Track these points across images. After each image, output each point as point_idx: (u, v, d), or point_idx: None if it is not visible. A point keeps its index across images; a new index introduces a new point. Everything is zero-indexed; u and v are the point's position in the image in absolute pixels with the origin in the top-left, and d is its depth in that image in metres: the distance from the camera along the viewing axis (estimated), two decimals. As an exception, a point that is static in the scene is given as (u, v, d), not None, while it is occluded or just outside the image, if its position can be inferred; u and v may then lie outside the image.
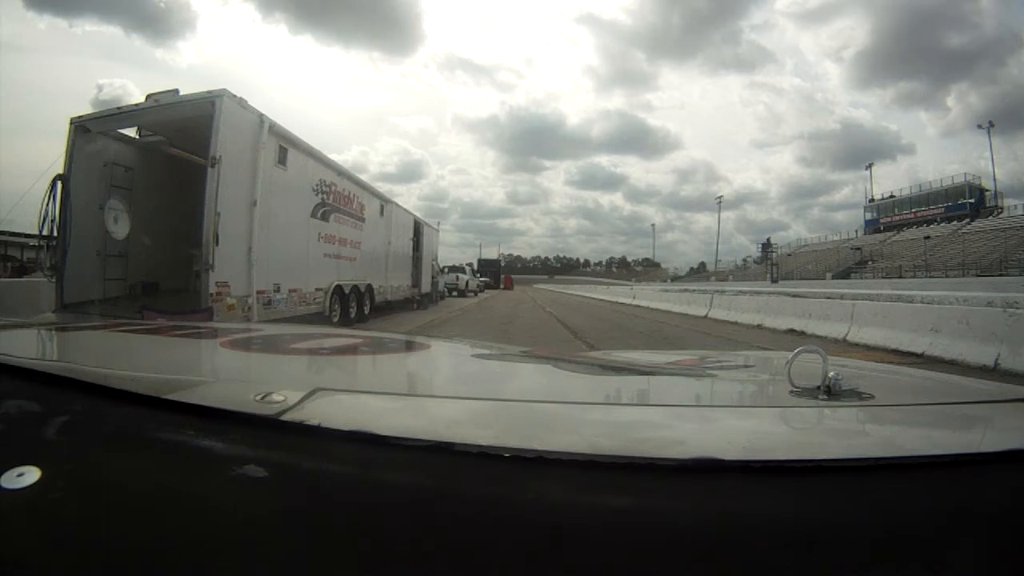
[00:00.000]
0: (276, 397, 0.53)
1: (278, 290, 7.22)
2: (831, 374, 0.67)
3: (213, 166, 5.78)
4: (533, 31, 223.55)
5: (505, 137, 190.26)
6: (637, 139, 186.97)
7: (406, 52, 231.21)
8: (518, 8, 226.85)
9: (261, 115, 6.75)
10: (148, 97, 6.46)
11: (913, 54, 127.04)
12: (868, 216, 59.63)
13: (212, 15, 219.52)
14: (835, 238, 64.24)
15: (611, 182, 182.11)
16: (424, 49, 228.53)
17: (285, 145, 7.36)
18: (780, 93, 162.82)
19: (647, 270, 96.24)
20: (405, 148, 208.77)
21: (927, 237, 45.29)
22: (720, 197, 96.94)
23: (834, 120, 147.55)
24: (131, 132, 7.07)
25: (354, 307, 9.77)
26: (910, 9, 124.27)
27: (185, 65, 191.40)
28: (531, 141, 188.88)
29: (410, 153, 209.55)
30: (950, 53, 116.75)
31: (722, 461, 0.45)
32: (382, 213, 12.01)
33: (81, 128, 6.28)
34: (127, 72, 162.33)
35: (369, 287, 10.66)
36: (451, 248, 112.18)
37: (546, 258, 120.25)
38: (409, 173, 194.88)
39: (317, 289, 8.40)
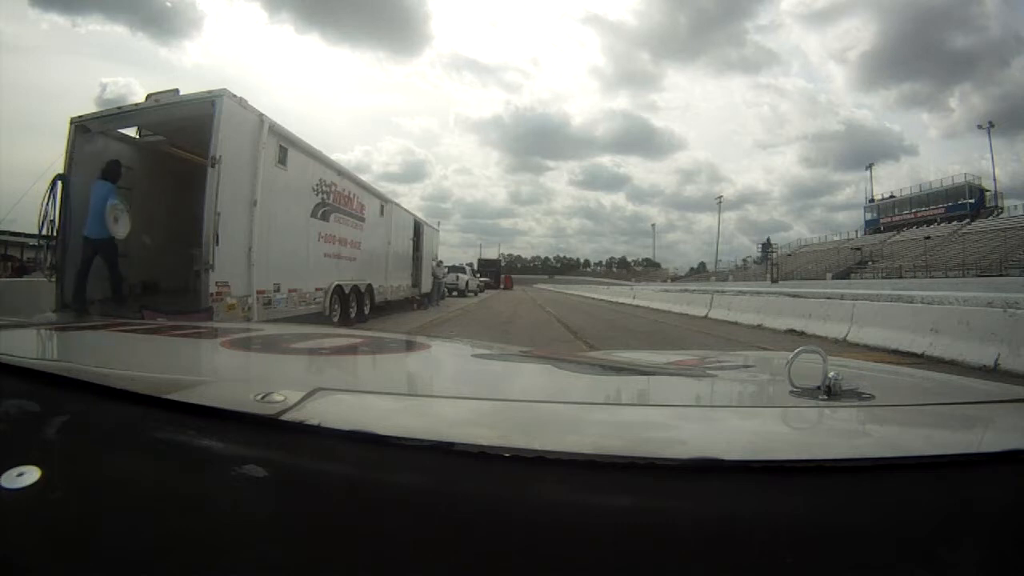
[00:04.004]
0: (276, 397, 0.53)
1: (278, 290, 7.22)
2: (831, 374, 0.67)
3: (213, 166, 5.78)
4: (539, 32, 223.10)
5: (509, 137, 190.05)
6: (641, 140, 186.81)
7: (412, 52, 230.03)
8: (525, 9, 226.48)
9: (261, 115, 6.74)
10: (148, 97, 6.46)
11: (917, 56, 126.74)
12: (868, 216, 59.57)
13: (218, 15, 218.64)
14: (835, 238, 64.21)
15: (614, 182, 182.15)
16: (431, 49, 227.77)
17: (285, 145, 7.36)
18: (784, 94, 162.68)
19: (647, 270, 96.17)
20: (409, 148, 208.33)
21: (927, 237, 45.29)
22: (720, 197, 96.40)
23: (837, 121, 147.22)
24: (131, 132, 7.07)
25: (354, 307, 9.77)
26: (915, 11, 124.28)
27: (190, 64, 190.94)
28: (535, 141, 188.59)
29: (414, 153, 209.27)
30: (953, 55, 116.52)
31: (723, 461, 0.45)
32: (382, 213, 12.01)
33: (81, 128, 6.28)
34: (132, 71, 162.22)
35: (369, 287, 10.66)
36: (453, 248, 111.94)
37: (546, 258, 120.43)
38: (413, 173, 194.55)
39: (317, 289, 8.40)
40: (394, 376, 1.08)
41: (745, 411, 0.79)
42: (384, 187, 14.10)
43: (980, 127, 59.57)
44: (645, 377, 1.08)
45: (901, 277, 37.21)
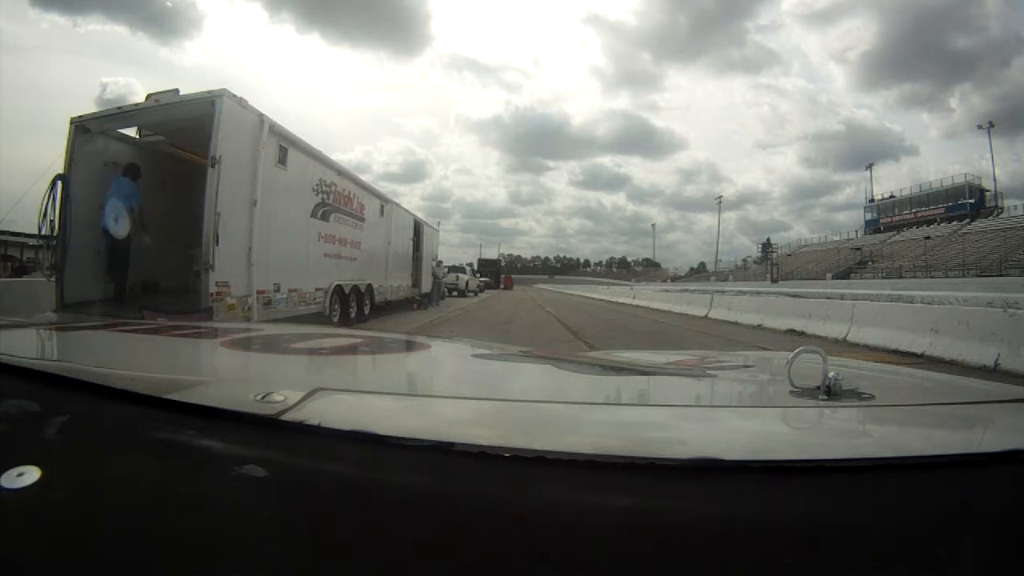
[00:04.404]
0: (276, 397, 0.53)
1: (278, 290, 7.22)
2: (831, 374, 0.67)
3: (213, 166, 5.78)
4: (540, 32, 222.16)
5: (510, 137, 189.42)
6: (642, 140, 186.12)
7: (413, 52, 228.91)
8: (525, 9, 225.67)
9: (261, 115, 6.74)
10: (148, 97, 6.46)
11: (917, 56, 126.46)
12: (868, 216, 59.55)
13: (219, 15, 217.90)
14: (835, 238, 64.18)
15: (614, 182, 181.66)
16: (431, 50, 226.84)
17: (285, 145, 7.36)
18: (784, 94, 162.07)
19: (647, 270, 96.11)
20: (409, 148, 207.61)
21: (927, 237, 45.27)
22: (720, 197, 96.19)
23: (838, 121, 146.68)
24: (131, 132, 7.08)
25: (354, 307, 9.77)
26: (915, 11, 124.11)
27: (191, 64, 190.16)
28: (536, 141, 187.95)
29: (414, 153, 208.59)
30: (954, 55, 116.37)
31: (723, 461, 0.45)
32: (382, 213, 12.01)
33: (81, 128, 6.28)
34: (132, 71, 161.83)
35: (369, 287, 10.66)
36: (453, 248, 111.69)
37: (546, 258, 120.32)
38: (413, 173, 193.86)
39: (317, 289, 8.40)
40: (394, 376, 1.08)
41: (745, 411, 0.79)
42: (384, 187, 14.17)
43: (980, 127, 59.68)
44: (645, 377, 1.08)
45: (901, 277, 37.20)
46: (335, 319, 8.85)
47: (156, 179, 7.09)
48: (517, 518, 0.41)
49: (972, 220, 45.32)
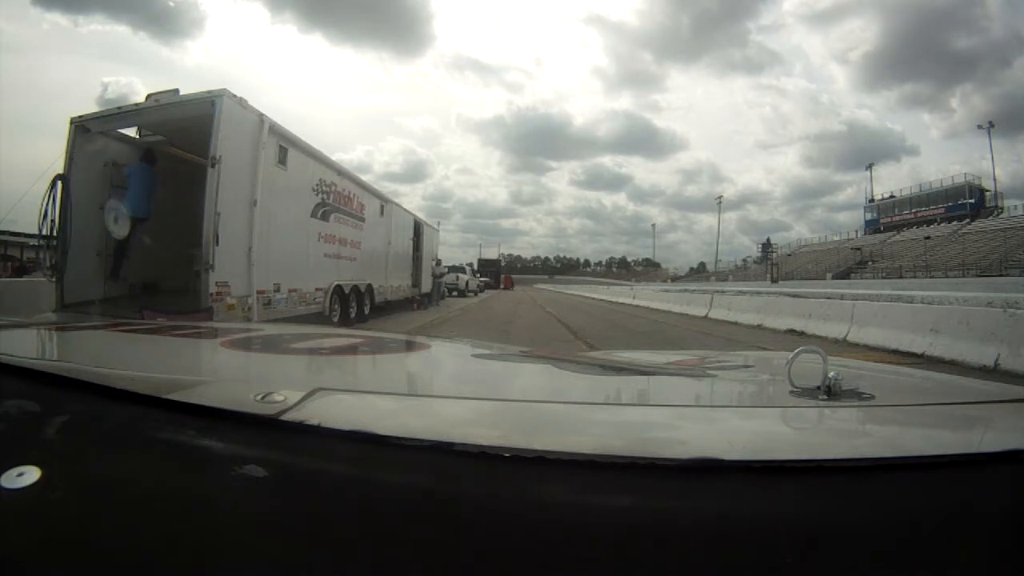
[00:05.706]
0: (276, 397, 0.53)
1: (278, 290, 7.22)
2: (831, 374, 0.67)
3: (213, 166, 5.78)
4: (542, 32, 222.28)
5: (511, 137, 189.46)
6: (643, 140, 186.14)
7: (415, 53, 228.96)
8: (527, 9, 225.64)
9: (261, 115, 6.74)
10: (148, 97, 6.46)
11: (918, 56, 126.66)
12: (868, 216, 59.59)
13: (221, 15, 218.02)
14: (836, 238, 64.20)
15: (615, 182, 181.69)
16: (433, 50, 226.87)
17: (285, 145, 7.36)
18: (786, 95, 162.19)
19: (647, 270, 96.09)
20: (411, 148, 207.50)
21: (927, 237, 45.30)
22: (720, 198, 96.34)
23: (839, 121, 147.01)
24: (131, 132, 7.08)
25: (354, 307, 9.78)
26: (917, 11, 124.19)
27: (192, 64, 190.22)
28: (537, 141, 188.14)
29: (416, 153, 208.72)
30: (955, 55, 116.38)
31: (723, 461, 0.45)
32: (382, 213, 12.01)
33: (81, 128, 6.28)
34: (133, 71, 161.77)
35: (369, 287, 10.66)
36: (453, 248, 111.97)
37: (546, 258, 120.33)
38: (414, 173, 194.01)
39: (317, 289, 8.40)
40: (394, 376, 1.08)
41: (745, 411, 0.79)
42: (385, 187, 14.29)
43: (980, 127, 59.69)
44: (645, 377, 1.08)
45: (901, 277, 37.20)
46: (335, 319, 8.85)
47: (156, 179, 7.09)
48: (517, 518, 0.41)
49: (972, 220, 45.34)
